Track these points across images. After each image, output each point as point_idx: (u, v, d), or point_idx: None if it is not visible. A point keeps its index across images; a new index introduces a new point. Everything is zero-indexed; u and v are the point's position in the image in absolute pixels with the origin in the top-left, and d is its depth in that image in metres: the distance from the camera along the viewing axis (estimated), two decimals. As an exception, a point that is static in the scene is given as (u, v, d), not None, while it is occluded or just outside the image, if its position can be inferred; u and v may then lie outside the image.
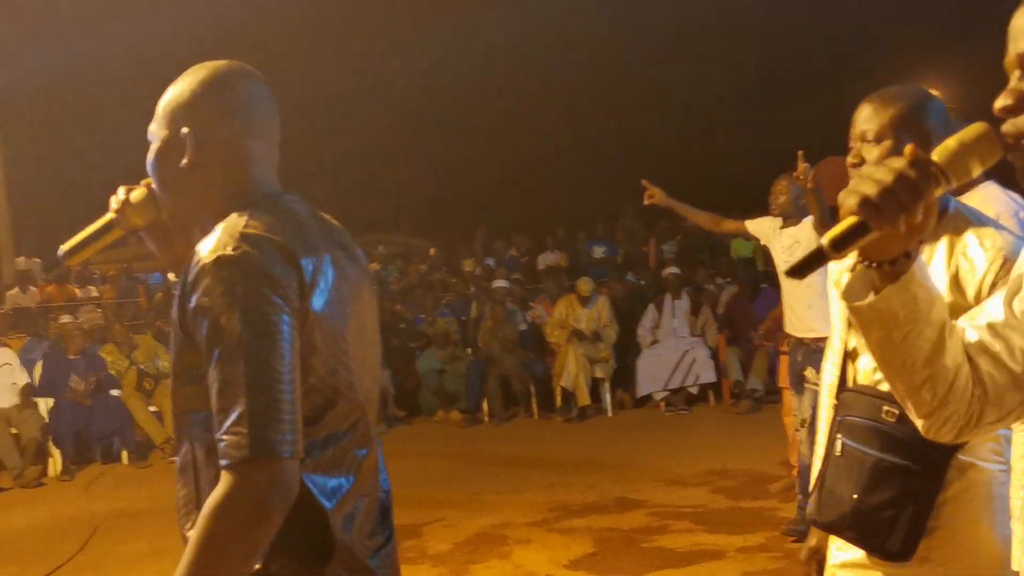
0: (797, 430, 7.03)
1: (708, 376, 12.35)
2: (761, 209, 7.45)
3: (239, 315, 1.86)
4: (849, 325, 2.84)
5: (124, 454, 11.53)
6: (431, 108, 31.51)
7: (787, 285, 7.05)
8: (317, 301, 1.97)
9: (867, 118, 2.79)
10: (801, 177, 6.49)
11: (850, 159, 2.80)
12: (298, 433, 1.87)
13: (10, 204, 21.37)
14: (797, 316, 6.98)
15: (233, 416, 1.84)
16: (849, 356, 2.87)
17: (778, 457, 7.95)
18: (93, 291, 19.08)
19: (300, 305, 1.93)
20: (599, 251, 17.99)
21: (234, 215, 2.01)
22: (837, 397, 2.87)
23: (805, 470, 7.01)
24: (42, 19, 25.13)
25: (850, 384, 2.85)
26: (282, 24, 28.91)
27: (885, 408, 2.66)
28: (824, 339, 6.84)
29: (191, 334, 1.94)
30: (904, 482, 2.62)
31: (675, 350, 12.36)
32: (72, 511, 9.39)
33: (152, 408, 11.74)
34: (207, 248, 1.93)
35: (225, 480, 1.84)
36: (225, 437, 1.84)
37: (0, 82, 21.40)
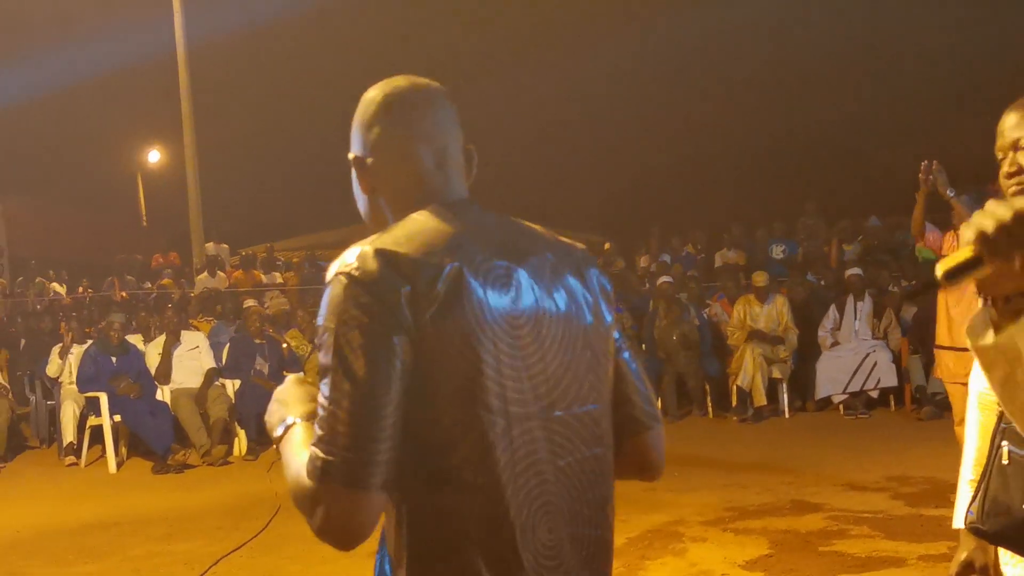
0: None
1: (889, 380, 12.05)
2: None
3: (335, 336, 1.83)
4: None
5: (305, 437, 11.83)
6: (610, 105, 31.54)
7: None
8: (443, 315, 1.85)
9: (1019, 124, 2.69)
10: (922, 175, 6.43)
11: (1006, 169, 2.71)
12: (378, 464, 1.80)
13: (201, 191, 22.14)
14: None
15: (315, 433, 1.84)
16: None
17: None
18: (278, 277, 19.64)
19: (414, 321, 1.83)
20: (778, 250, 17.69)
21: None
22: None
23: None
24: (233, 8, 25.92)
25: None
26: (478, 33, 29.34)
27: None
28: None
29: None
30: None
31: (856, 353, 12.11)
32: (255, 490, 9.68)
33: (333, 393, 12.04)
34: (333, 265, 1.91)
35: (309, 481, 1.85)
36: (310, 450, 1.85)
37: (192, 74, 22.16)
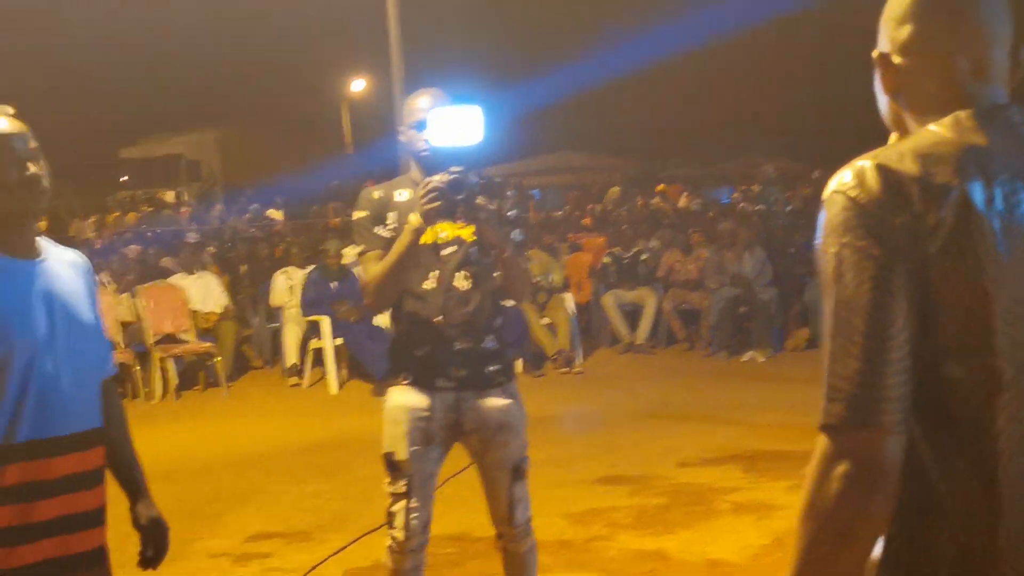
0: None
1: None
2: None
3: (837, 261, 1.66)
4: None
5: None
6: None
7: None
8: (947, 249, 1.64)
9: None
10: None
11: None
12: (889, 400, 1.61)
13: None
14: None
15: (825, 377, 1.67)
16: None
17: None
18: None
19: (916, 251, 1.64)
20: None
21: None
22: None
23: None
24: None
25: None
26: None
27: None
28: None
29: None
30: None
31: None
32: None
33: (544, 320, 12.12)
34: (831, 182, 1.73)
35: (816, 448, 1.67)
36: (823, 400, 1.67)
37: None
